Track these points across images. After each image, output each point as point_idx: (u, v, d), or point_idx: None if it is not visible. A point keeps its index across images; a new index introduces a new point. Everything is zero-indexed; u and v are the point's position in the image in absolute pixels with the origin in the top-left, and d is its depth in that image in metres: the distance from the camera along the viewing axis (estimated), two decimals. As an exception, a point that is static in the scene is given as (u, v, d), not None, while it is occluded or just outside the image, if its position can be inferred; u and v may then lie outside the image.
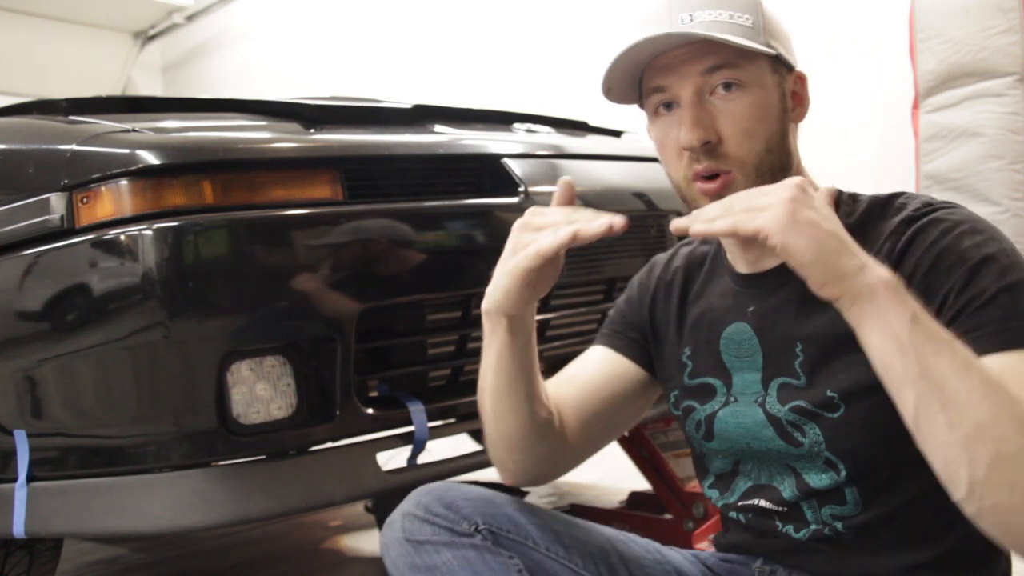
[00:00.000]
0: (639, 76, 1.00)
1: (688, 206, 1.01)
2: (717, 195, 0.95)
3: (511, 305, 0.99)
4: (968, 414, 0.77)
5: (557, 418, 1.09)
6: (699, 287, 1.12)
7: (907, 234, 0.93)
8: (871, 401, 0.93)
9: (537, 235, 0.93)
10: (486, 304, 1.00)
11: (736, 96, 0.95)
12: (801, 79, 1.02)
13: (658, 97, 0.99)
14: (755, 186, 0.94)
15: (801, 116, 1.03)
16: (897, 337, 0.79)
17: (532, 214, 0.96)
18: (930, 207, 0.95)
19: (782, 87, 0.99)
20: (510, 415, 1.05)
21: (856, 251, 0.82)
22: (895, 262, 0.92)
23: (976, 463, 0.77)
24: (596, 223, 0.89)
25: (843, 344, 0.94)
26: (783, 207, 0.80)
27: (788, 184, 0.83)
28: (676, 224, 0.88)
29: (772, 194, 0.82)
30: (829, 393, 0.95)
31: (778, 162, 0.98)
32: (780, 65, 0.99)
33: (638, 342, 1.16)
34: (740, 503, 1.05)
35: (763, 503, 1.03)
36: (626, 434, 2.20)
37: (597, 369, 1.16)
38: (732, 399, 1.04)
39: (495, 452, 1.10)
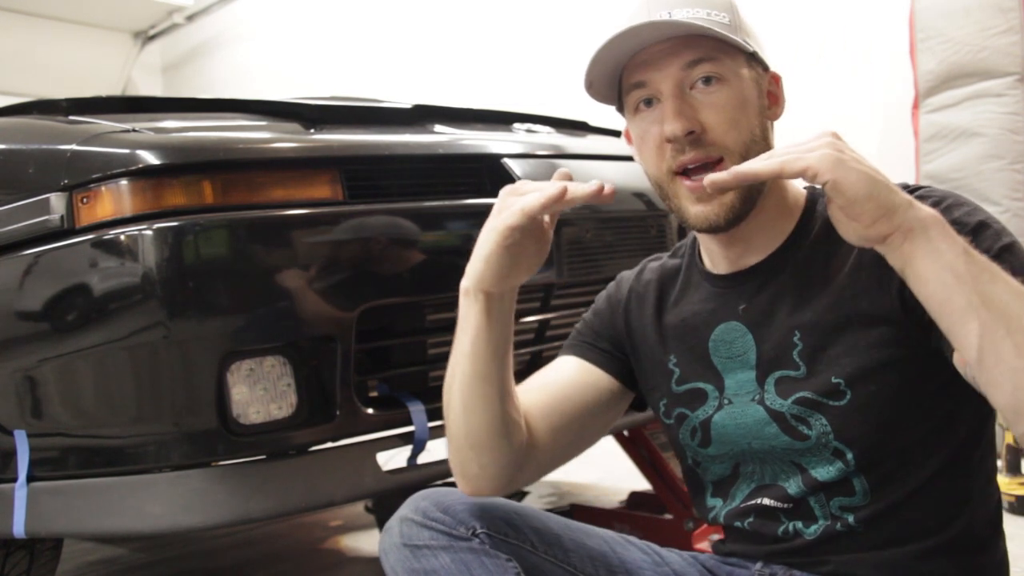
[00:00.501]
0: (619, 74, 1.01)
1: (669, 203, 1.00)
2: (705, 192, 0.95)
3: (491, 277, 0.95)
4: None
5: (524, 422, 1.06)
6: (676, 296, 1.12)
7: None
8: (876, 385, 0.94)
9: (524, 196, 0.92)
10: (465, 280, 0.97)
11: (716, 89, 0.96)
12: (776, 79, 1.03)
13: (638, 93, 0.99)
14: None
15: (777, 115, 1.03)
16: (953, 268, 0.79)
17: (521, 182, 0.95)
18: (907, 187, 0.96)
19: (759, 84, 1.00)
20: (480, 408, 1.00)
21: (899, 189, 0.82)
22: None
23: None
24: (586, 184, 0.89)
25: (843, 328, 0.95)
26: (829, 147, 0.81)
27: (824, 132, 0.84)
28: (712, 178, 0.86)
29: (813, 140, 0.83)
30: (834, 380, 0.95)
31: (763, 153, 0.98)
32: (756, 63, 1.00)
33: (609, 352, 1.15)
34: (742, 505, 1.05)
35: (766, 501, 1.02)
36: (626, 434, 2.20)
37: (567, 377, 1.13)
38: (726, 401, 1.04)
39: (459, 454, 1.04)
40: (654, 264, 1.18)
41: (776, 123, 1.05)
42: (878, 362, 0.93)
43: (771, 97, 1.02)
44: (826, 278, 0.97)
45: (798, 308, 0.99)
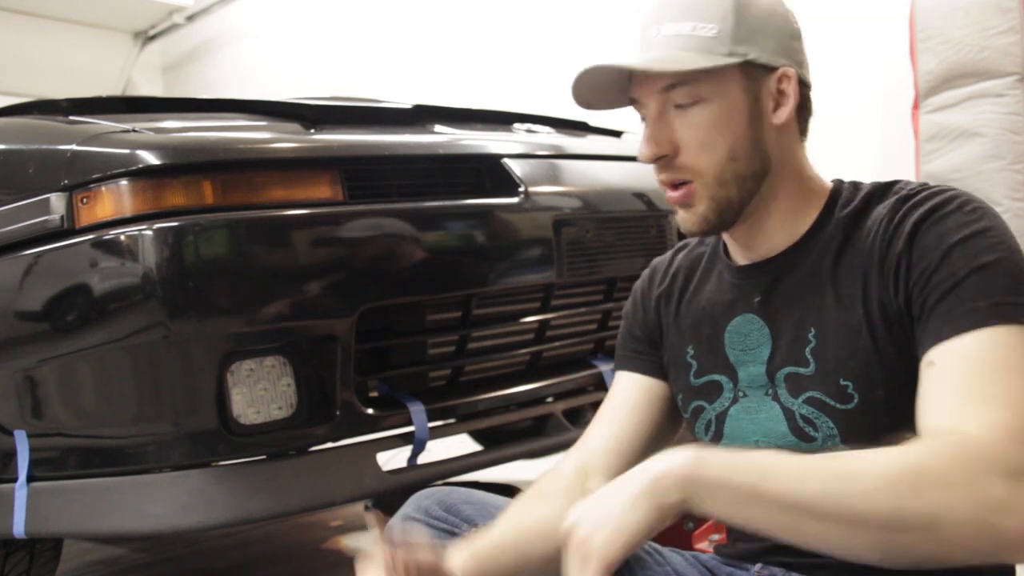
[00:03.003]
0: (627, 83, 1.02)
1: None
2: (682, 203, 0.99)
3: None
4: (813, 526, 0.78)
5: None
6: (696, 284, 1.12)
7: (899, 213, 0.93)
8: (884, 389, 0.93)
9: None
10: None
11: (693, 111, 0.96)
12: (786, 76, 0.98)
13: (637, 107, 1.02)
14: (717, 195, 0.97)
15: (783, 116, 0.99)
16: (736, 493, 0.80)
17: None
18: (924, 188, 0.95)
19: (755, 92, 0.97)
20: None
21: (646, 469, 0.84)
22: (887, 242, 0.93)
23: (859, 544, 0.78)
24: None
25: (855, 328, 0.94)
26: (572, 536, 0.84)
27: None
28: None
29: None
30: (842, 382, 0.94)
31: (746, 169, 0.97)
32: (754, 68, 0.97)
33: (651, 356, 1.15)
34: None
35: None
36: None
37: (631, 398, 1.14)
38: (741, 394, 1.04)
39: None
40: (682, 253, 1.18)
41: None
42: (887, 366, 0.92)
43: (780, 96, 0.99)
44: (841, 274, 0.97)
45: (812, 304, 0.98)
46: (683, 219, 1.00)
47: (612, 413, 1.14)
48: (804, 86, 1.01)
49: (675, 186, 0.98)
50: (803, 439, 0.98)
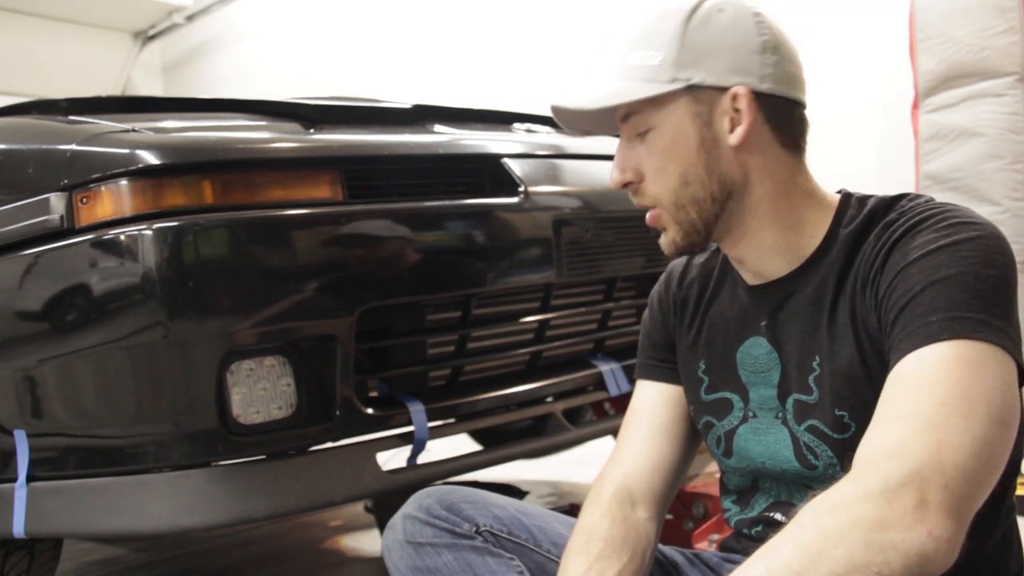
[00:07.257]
0: None
1: None
2: (655, 227, 1.02)
3: None
4: None
5: (653, 508, 1.08)
6: (710, 295, 1.11)
7: (881, 239, 0.93)
8: None
9: None
10: None
11: (649, 139, 0.97)
12: (737, 95, 0.94)
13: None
14: (679, 219, 0.98)
15: (739, 135, 0.95)
16: None
17: None
18: (915, 209, 0.93)
19: (706, 115, 0.95)
20: None
21: None
22: (869, 269, 0.92)
23: None
24: None
25: (851, 357, 0.93)
26: None
27: None
28: None
29: None
30: (838, 412, 0.94)
31: (702, 193, 0.96)
32: (701, 92, 0.94)
33: (675, 363, 1.15)
34: (756, 516, 1.05)
35: (778, 516, 1.02)
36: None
37: (661, 411, 1.14)
38: (751, 414, 1.03)
39: None
40: (698, 260, 1.17)
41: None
42: (878, 394, 0.88)
43: (736, 115, 0.95)
44: (839, 303, 0.95)
45: (814, 332, 0.97)
46: (660, 242, 1.02)
47: (645, 429, 1.12)
48: (774, 99, 0.95)
49: (648, 211, 1.01)
50: (806, 467, 0.98)
